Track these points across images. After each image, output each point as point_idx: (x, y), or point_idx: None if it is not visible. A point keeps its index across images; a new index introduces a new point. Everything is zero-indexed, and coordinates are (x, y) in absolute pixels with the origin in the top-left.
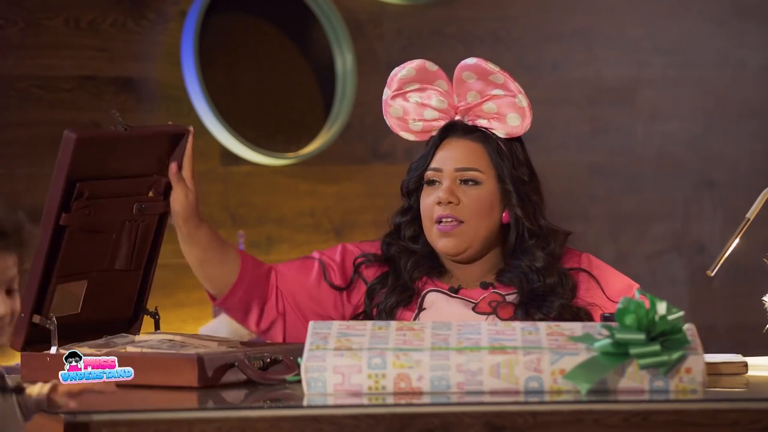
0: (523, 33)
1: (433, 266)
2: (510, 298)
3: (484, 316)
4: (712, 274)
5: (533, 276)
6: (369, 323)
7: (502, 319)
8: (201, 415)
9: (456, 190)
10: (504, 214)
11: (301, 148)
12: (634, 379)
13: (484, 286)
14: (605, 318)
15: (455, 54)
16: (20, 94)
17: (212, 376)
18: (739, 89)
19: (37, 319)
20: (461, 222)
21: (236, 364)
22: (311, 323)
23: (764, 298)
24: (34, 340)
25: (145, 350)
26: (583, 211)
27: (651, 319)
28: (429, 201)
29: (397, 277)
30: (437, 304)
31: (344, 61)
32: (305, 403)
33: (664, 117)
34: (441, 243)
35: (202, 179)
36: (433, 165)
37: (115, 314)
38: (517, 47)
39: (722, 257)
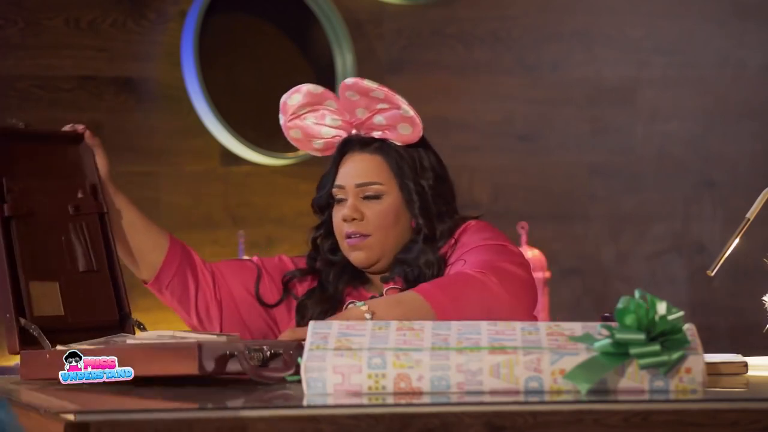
0: (523, 33)
1: (354, 275)
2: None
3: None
4: (712, 274)
5: (417, 269)
6: (369, 323)
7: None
8: (201, 415)
9: (360, 206)
10: (413, 221)
11: None
12: (634, 379)
13: (384, 280)
14: (605, 318)
15: (455, 54)
16: (20, 94)
17: (212, 365)
18: (739, 89)
19: (22, 321)
20: (367, 236)
21: (236, 354)
22: (311, 323)
23: (764, 298)
24: (28, 341)
25: (145, 341)
26: (583, 211)
27: (651, 319)
28: (337, 218)
29: (323, 290)
30: None
31: (344, 61)
32: (305, 403)
33: (664, 117)
34: (352, 256)
35: (202, 179)
36: (337, 182)
37: (100, 318)
38: (517, 47)
39: (722, 257)
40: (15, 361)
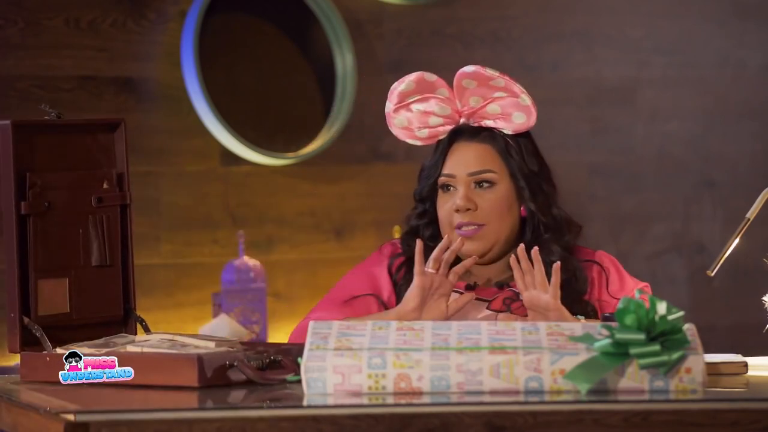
0: (523, 33)
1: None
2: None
3: (497, 314)
4: (712, 274)
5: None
6: (369, 323)
7: (516, 316)
8: (201, 415)
9: (472, 195)
10: (522, 209)
11: (301, 148)
12: (634, 379)
13: (499, 285)
14: (605, 318)
15: (455, 54)
16: (20, 94)
17: (212, 376)
18: (739, 89)
19: (25, 321)
20: (481, 225)
21: (236, 364)
22: (311, 323)
23: (764, 298)
24: (30, 341)
25: (145, 350)
26: (583, 211)
27: (651, 319)
28: (447, 208)
29: None
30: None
31: (344, 61)
32: (305, 403)
33: (664, 117)
34: (465, 247)
35: (202, 179)
36: (445, 171)
37: (105, 314)
38: (517, 47)
39: (722, 257)
40: (15, 361)
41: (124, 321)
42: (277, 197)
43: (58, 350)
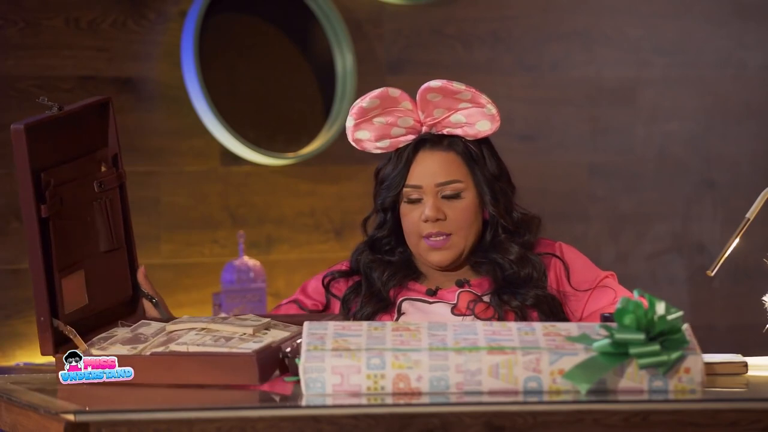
0: (523, 33)
1: (407, 274)
2: (486, 298)
3: (461, 317)
4: (712, 274)
5: (506, 266)
6: (365, 323)
7: (480, 319)
8: (201, 415)
9: (441, 206)
10: (485, 213)
11: (301, 148)
12: (633, 379)
13: (459, 284)
14: (605, 318)
15: (455, 54)
16: (20, 94)
17: (270, 371)
18: (739, 89)
19: (55, 323)
20: (449, 235)
21: (289, 355)
22: (306, 323)
23: (764, 298)
24: (62, 341)
25: (191, 348)
26: (583, 211)
27: (650, 319)
28: (413, 218)
29: (370, 286)
30: (414, 309)
31: (344, 61)
32: (305, 403)
33: (664, 117)
34: (434, 257)
35: (202, 179)
36: (411, 182)
37: (117, 297)
38: (517, 47)
39: (722, 257)
40: (15, 361)
41: (133, 300)
42: (277, 197)
43: (94, 351)
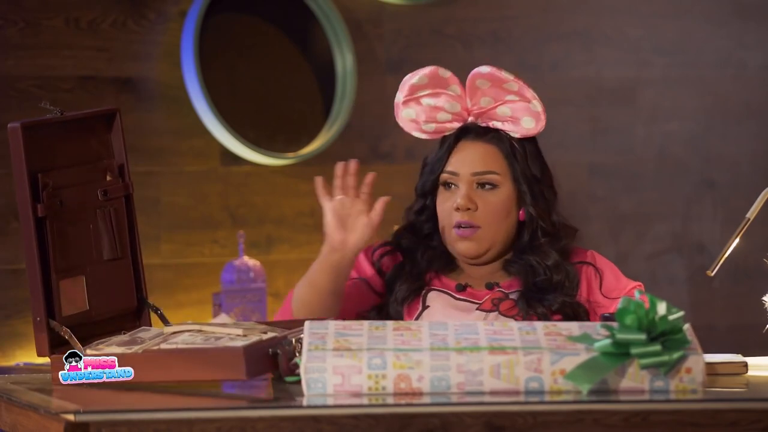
0: (523, 33)
1: (445, 263)
2: (513, 295)
3: (485, 314)
4: (712, 274)
5: (540, 271)
6: (366, 323)
7: (505, 316)
8: (201, 415)
9: (473, 195)
10: (521, 213)
11: (301, 148)
12: (634, 379)
13: (489, 286)
14: (605, 318)
15: (455, 54)
16: (20, 94)
17: (258, 367)
18: (739, 89)
19: (52, 324)
20: (478, 227)
21: (279, 352)
22: (307, 323)
23: (764, 298)
24: (58, 343)
25: (180, 346)
26: (583, 211)
27: (651, 319)
28: (447, 206)
29: (413, 266)
30: (441, 301)
31: (344, 61)
32: (305, 403)
33: (664, 117)
34: (461, 246)
35: (202, 179)
36: (449, 168)
37: (120, 306)
38: (517, 47)
39: (722, 257)
40: (15, 361)
41: (138, 311)
42: (277, 197)
43: (88, 351)
